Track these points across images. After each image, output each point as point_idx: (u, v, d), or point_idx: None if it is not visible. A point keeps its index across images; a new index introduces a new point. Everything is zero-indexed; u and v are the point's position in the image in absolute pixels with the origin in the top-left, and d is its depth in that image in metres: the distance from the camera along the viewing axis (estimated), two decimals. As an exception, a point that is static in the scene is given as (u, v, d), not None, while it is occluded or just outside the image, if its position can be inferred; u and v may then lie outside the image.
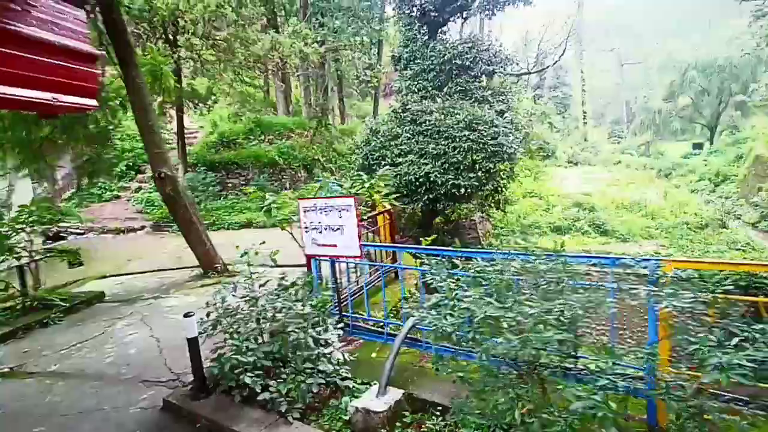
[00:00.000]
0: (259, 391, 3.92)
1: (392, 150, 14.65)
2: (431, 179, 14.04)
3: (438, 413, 3.91)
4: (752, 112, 35.48)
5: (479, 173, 14.57)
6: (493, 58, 15.78)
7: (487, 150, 13.78)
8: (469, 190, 15.21)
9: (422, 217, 17.47)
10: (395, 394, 4.19)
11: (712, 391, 2.48)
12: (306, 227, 5.10)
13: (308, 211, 5.01)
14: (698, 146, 37.44)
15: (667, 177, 31.93)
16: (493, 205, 17.29)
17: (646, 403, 3.28)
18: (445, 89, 15.73)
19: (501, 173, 15.11)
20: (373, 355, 5.11)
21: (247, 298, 4.41)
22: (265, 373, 4.17)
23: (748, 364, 2.02)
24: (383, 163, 14.70)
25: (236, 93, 16.57)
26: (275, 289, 4.56)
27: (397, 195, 15.51)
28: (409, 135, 14.69)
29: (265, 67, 15.23)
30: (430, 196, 15.14)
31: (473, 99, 15.14)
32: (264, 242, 4.85)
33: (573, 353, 2.93)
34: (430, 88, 15.73)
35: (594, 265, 3.81)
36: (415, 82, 15.86)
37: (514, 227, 21.77)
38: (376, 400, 4.08)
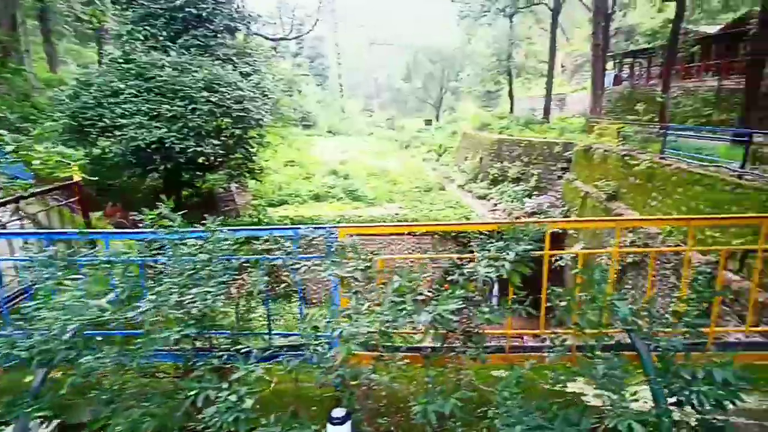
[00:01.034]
0: None
1: (112, 109, 11.99)
2: (167, 146, 12.16)
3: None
4: (463, 97, 44.47)
5: (226, 140, 13.48)
6: (236, 14, 14.53)
7: (231, 115, 12.75)
8: (216, 159, 13.97)
9: (165, 190, 15.25)
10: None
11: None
12: None
13: None
14: (429, 122, 44.87)
15: (407, 148, 37.18)
16: (247, 174, 16.46)
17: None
18: (180, 41, 13.70)
19: (251, 140, 14.34)
20: (28, 379, 3.82)
21: None
22: None
23: (371, 330, 1.97)
24: (100, 124, 11.94)
25: None
26: None
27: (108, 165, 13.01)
28: (135, 92, 12.26)
29: None
30: (169, 166, 13.23)
31: (214, 57, 13.67)
32: None
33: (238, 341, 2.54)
34: (161, 38, 13.42)
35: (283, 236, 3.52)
36: (140, 28, 13.25)
37: (272, 197, 21.56)
38: (6, 446, 2.95)
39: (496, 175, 22.44)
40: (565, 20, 34.43)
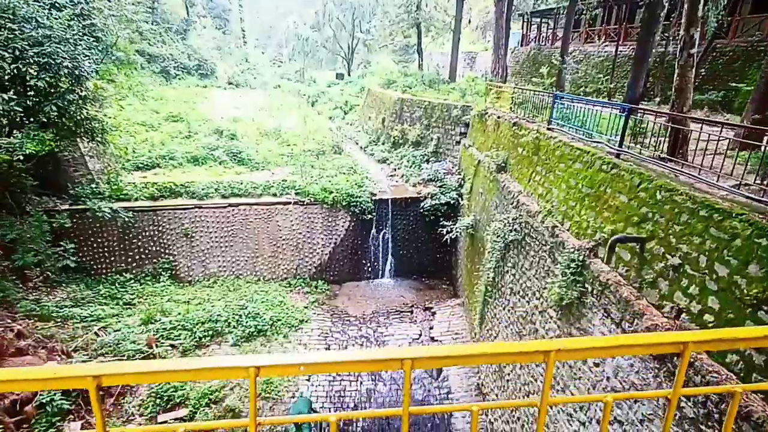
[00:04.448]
0: None
1: None
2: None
3: None
4: (378, 50, 41.81)
5: (28, 93, 10.42)
6: None
7: (29, 60, 9.70)
8: (24, 117, 10.87)
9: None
10: None
11: None
12: None
13: None
14: (341, 76, 41.84)
15: (313, 104, 34.36)
16: (85, 134, 13.37)
17: None
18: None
19: (71, 94, 11.30)
20: None
21: None
22: None
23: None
24: None
25: None
26: None
27: None
28: None
29: None
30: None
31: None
32: None
33: None
34: None
35: None
36: None
37: (141, 160, 18.36)
38: None
39: (396, 138, 21.01)
40: (478, -28, 32.81)
